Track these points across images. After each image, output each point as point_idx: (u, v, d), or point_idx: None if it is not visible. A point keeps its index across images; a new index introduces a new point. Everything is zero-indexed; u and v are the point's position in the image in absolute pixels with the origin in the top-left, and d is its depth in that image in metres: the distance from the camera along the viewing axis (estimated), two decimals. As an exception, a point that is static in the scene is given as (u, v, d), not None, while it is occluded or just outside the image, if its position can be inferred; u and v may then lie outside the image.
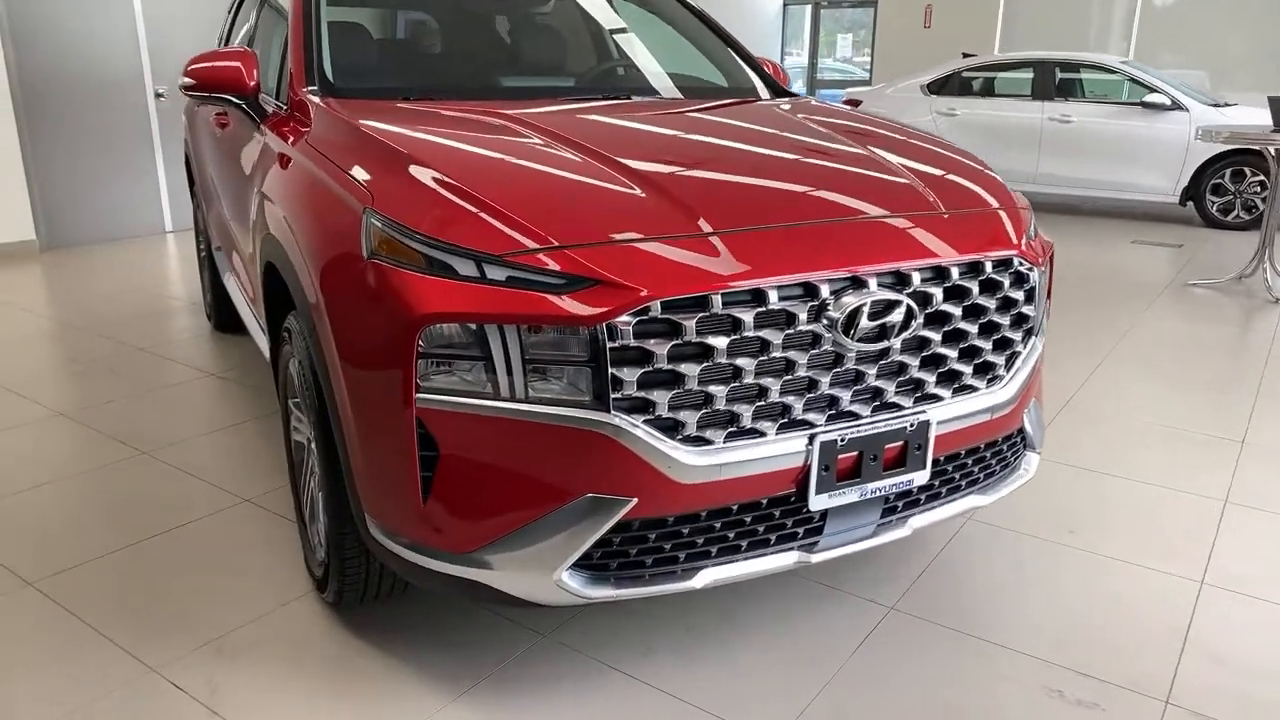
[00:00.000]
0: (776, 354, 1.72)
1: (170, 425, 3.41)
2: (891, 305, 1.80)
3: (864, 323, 1.77)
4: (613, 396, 1.63)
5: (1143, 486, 2.97)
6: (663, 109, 2.63)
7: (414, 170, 1.87)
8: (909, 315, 1.83)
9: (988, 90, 9.06)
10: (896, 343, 1.83)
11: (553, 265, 1.64)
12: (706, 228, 1.76)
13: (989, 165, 2.42)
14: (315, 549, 2.22)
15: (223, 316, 4.50)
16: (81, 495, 2.85)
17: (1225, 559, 2.53)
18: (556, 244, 1.66)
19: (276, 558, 2.48)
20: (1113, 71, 8.37)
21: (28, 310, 5.11)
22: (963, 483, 2.11)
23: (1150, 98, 7.96)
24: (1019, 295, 2.05)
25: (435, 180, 1.82)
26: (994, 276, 1.98)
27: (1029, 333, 2.12)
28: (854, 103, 9.52)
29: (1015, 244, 2.04)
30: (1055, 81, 8.54)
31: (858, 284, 1.78)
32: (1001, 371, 2.05)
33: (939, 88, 9.08)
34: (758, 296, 1.70)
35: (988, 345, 2.00)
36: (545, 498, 1.68)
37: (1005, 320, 2.02)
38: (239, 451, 3.18)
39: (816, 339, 1.76)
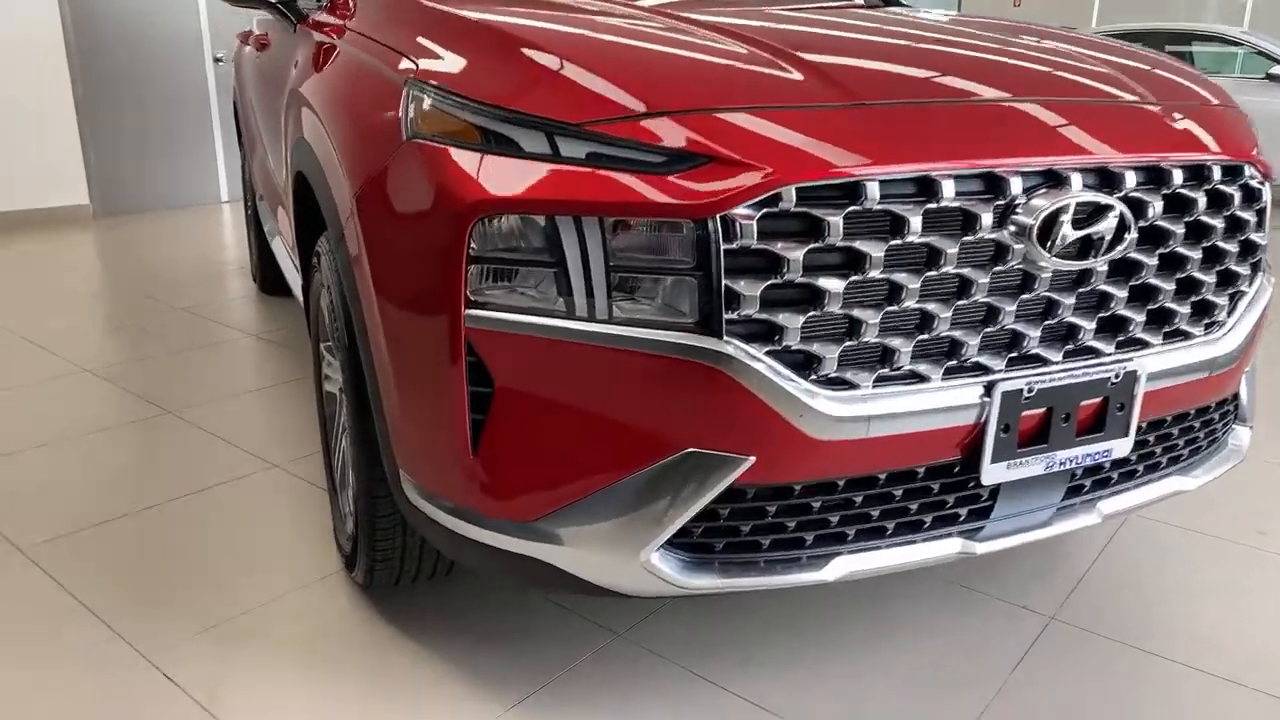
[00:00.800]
0: (949, 269, 1.27)
1: (201, 385, 3.07)
2: (1100, 211, 1.34)
3: (1065, 232, 1.31)
4: (726, 318, 1.20)
5: (1340, 483, 2.44)
6: (789, 4, 2.17)
7: (470, 33, 1.47)
8: (1121, 226, 1.36)
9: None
10: (1102, 263, 1.37)
11: (649, 136, 1.21)
12: (856, 96, 1.32)
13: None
14: (345, 519, 1.83)
15: (268, 278, 4.18)
16: (91, 455, 2.52)
17: None
18: (655, 110, 1.24)
19: (302, 531, 2.11)
20: (1234, 43, 7.65)
21: (71, 270, 4.87)
22: (1164, 459, 1.63)
23: (1277, 69, 7.24)
24: (1249, 216, 1.56)
25: (497, 40, 1.42)
26: (1221, 188, 1.50)
27: (1257, 267, 1.63)
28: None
29: (1248, 150, 1.55)
30: (1164, 54, 7.85)
31: (1055, 181, 1.32)
32: (1223, 315, 1.57)
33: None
34: (927, 188, 1.25)
35: (1210, 278, 1.52)
36: (632, 453, 1.25)
37: (1231, 247, 1.54)
38: (272, 415, 2.83)
39: (1001, 252, 1.30)
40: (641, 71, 1.32)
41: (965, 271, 1.29)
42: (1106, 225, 1.34)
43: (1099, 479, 1.55)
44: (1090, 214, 1.33)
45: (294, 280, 2.65)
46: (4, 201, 5.99)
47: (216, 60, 6.91)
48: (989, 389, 1.32)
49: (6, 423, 2.74)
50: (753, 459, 1.24)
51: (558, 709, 1.54)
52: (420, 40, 1.51)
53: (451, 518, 1.37)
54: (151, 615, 1.78)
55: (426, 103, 1.35)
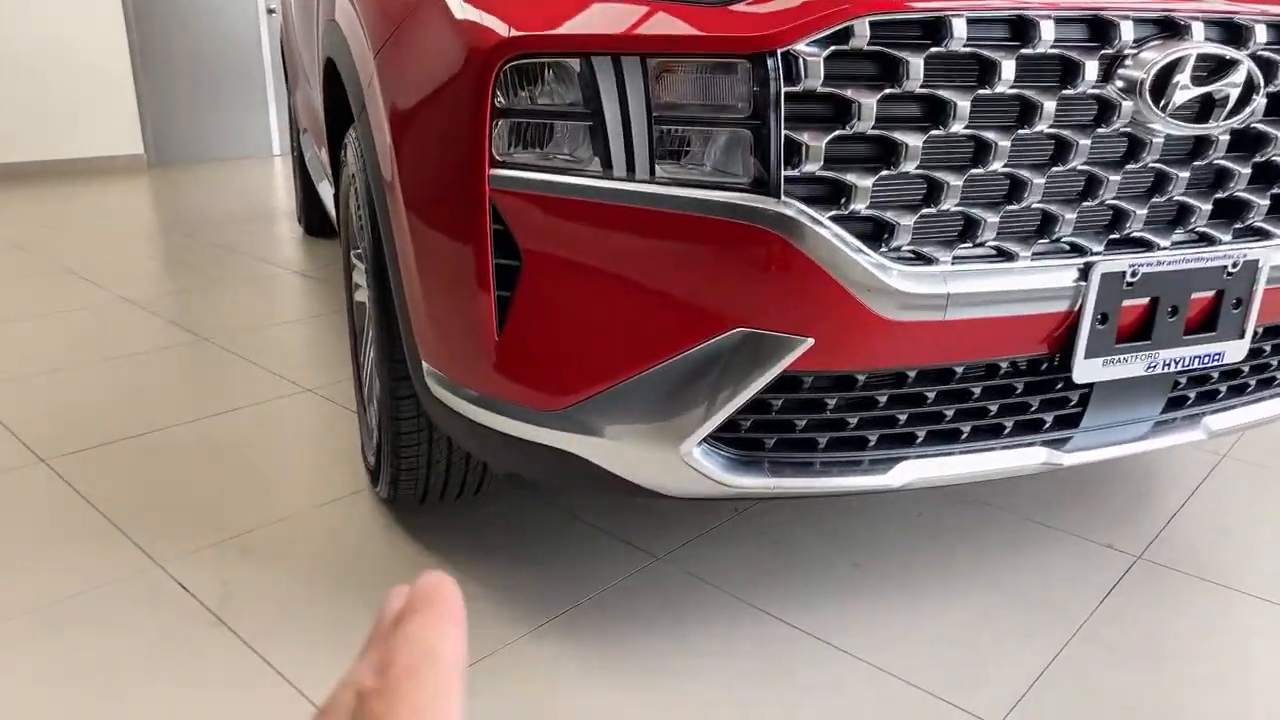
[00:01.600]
0: (1044, 128, 1.10)
1: (238, 315, 3.01)
2: (1224, 67, 1.15)
3: (1183, 90, 1.13)
4: (785, 175, 1.04)
5: None
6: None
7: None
8: (1249, 87, 1.17)
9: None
10: (1223, 131, 1.18)
11: (700, -38, 1.06)
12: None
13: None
14: (371, 434, 1.73)
15: (313, 219, 4.12)
16: (124, 376, 2.46)
17: None
18: (712, -67, 1.08)
19: (329, 450, 2.01)
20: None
21: (121, 214, 4.87)
22: (1279, 374, 1.44)
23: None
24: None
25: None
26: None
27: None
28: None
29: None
30: None
31: (1172, 30, 1.14)
32: (1362, 206, 1.36)
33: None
34: (1022, 30, 1.08)
35: (1346, 161, 1.32)
36: (675, 332, 1.11)
37: (1373, 126, 1.33)
38: (307, 344, 2.75)
39: (1106, 110, 1.13)
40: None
41: (1063, 132, 1.11)
42: (1231, 82, 1.15)
43: (1204, 390, 1.37)
44: (1212, 71, 1.15)
45: (328, 196, 2.55)
46: (62, 150, 6.04)
47: (270, 12, 6.87)
48: (1085, 271, 1.15)
49: (46, 344, 2.70)
50: (811, 341, 1.09)
51: (589, 629, 1.42)
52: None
53: (475, 408, 1.24)
54: (169, 526, 1.70)
55: (452, -55, 1.21)
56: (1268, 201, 1.26)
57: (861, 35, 1.03)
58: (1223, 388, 1.38)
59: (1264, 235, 1.28)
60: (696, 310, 1.10)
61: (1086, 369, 1.19)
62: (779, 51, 1.02)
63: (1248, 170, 1.23)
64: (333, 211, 2.73)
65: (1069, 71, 1.09)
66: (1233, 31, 1.17)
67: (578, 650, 1.37)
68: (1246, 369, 1.38)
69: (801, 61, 1.02)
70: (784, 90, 1.02)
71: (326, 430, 2.12)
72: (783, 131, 1.03)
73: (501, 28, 1.09)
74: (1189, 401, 1.36)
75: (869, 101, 1.03)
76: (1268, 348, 1.38)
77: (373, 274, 1.48)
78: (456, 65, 1.13)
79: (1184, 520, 1.77)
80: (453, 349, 1.25)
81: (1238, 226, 1.26)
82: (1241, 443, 2.10)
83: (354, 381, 1.94)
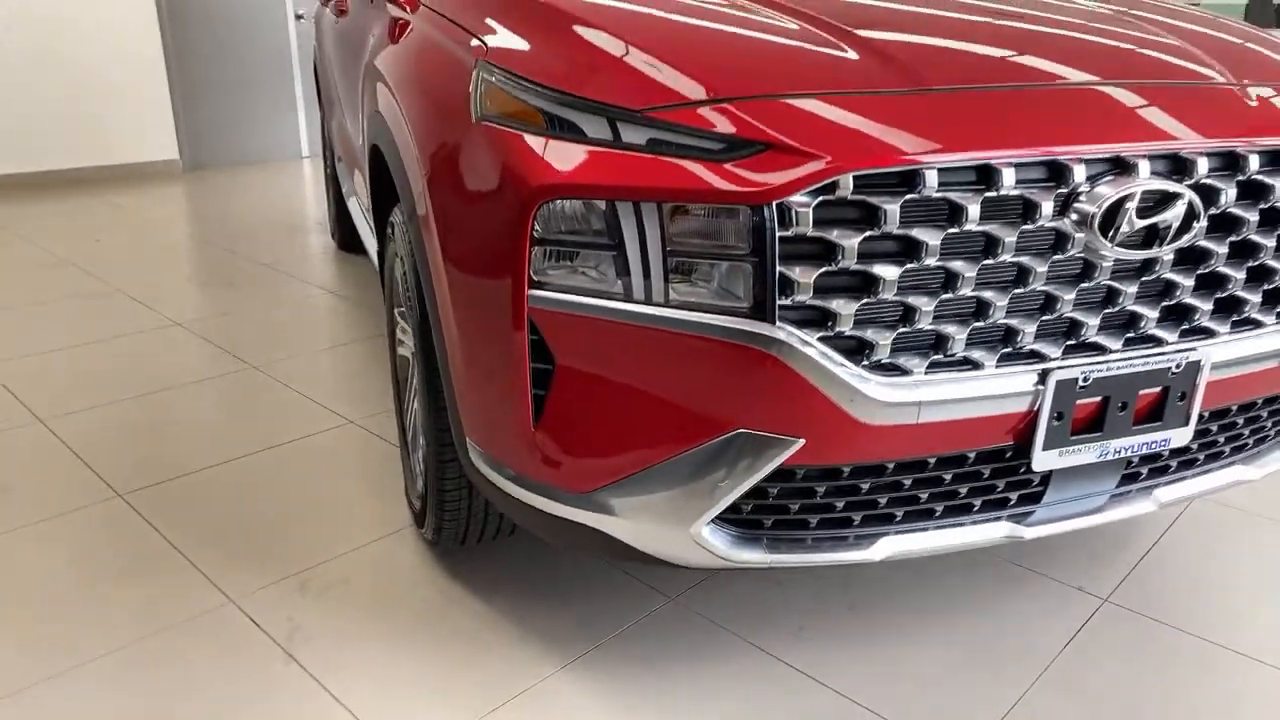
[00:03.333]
0: (1006, 258, 1.27)
1: (281, 341, 3.22)
2: (1166, 200, 1.32)
3: (1130, 221, 1.30)
4: (779, 303, 1.22)
5: None
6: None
7: (541, 16, 1.50)
8: (1189, 215, 1.34)
9: None
10: (1167, 253, 1.35)
11: (708, 124, 1.24)
12: (921, 82, 1.32)
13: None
14: (415, 478, 1.93)
15: (345, 234, 4.32)
16: (183, 407, 2.68)
17: None
18: (716, 96, 1.26)
19: (376, 486, 2.22)
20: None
21: (163, 225, 5.09)
22: (1227, 448, 1.61)
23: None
24: (1336, 201, 1.51)
25: (566, 25, 1.44)
26: (1303, 172, 1.45)
27: (1340, 254, 1.58)
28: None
29: (1334, 132, 1.50)
30: None
31: (1122, 168, 1.31)
32: (1297, 304, 1.53)
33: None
34: (986, 176, 1.25)
35: (1283, 266, 1.48)
36: (686, 431, 1.30)
37: (1313, 234, 1.50)
38: (349, 371, 2.95)
39: (1061, 240, 1.30)
40: (701, 56, 1.34)
41: (1023, 260, 1.29)
42: (1174, 214, 1.32)
43: (1156, 466, 1.54)
44: (1157, 202, 1.32)
45: (370, 243, 2.75)
46: (101, 157, 6.26)
47: (298, 18, 7.05)
48: (1043, 377, 1.32)
49: (108, 373, 2.92)
50: (802, 441, 1.27)
51: (611, 667, 1.62)
52: (490, 20, 1.55)
53: (514, 485, 1.44)
54: (239, 560, 1.91)
55: (495, 85, 1.39)
56: (1211, 305, 1.43)
57: (845, 188, 1.20)
58: (1173, 463, 1.55)
59: (1209, 333, 1.45)
60: (703, 413, 1.29)
61: (1044, 459, 1.37)
62: (773, 203, 1.19)
63: (1191, 282, 1.40)
64: (366, 240, 2.93)
65: (1028, 209, 1.27)
66: (1178, 164, 1.34)
67: (598, 688, 1.57)
68: (1195, 446, 1.55)
69: (794, 211, 1.20)
70: (779, 234, 1.20)
71: (370, 465, 2.32)
72: (777, 268, 1.21)
73: (541, 172, 1.27)
74: (1142, 477, 1.53)
75: (852, 243, 1.21)
76: (1214, 427, 1.55)
77: (420, 350, 1.68)
78: (502, 199, 1.31)
79: (1151, 564, 1.95)
80: (495, 434, 1.44)
81: (1184, 328, 1.43)
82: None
83: (398, 424, 2.14)
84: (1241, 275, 1.44)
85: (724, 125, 1.23)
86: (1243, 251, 1.43)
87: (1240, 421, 1.59)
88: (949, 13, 1.63)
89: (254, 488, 2.21)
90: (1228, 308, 1.46)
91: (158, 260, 4.33)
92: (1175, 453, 1.54)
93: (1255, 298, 1.47)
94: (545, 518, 1.43)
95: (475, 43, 1.50)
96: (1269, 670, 1.63)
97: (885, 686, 1.58)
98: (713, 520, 1.34)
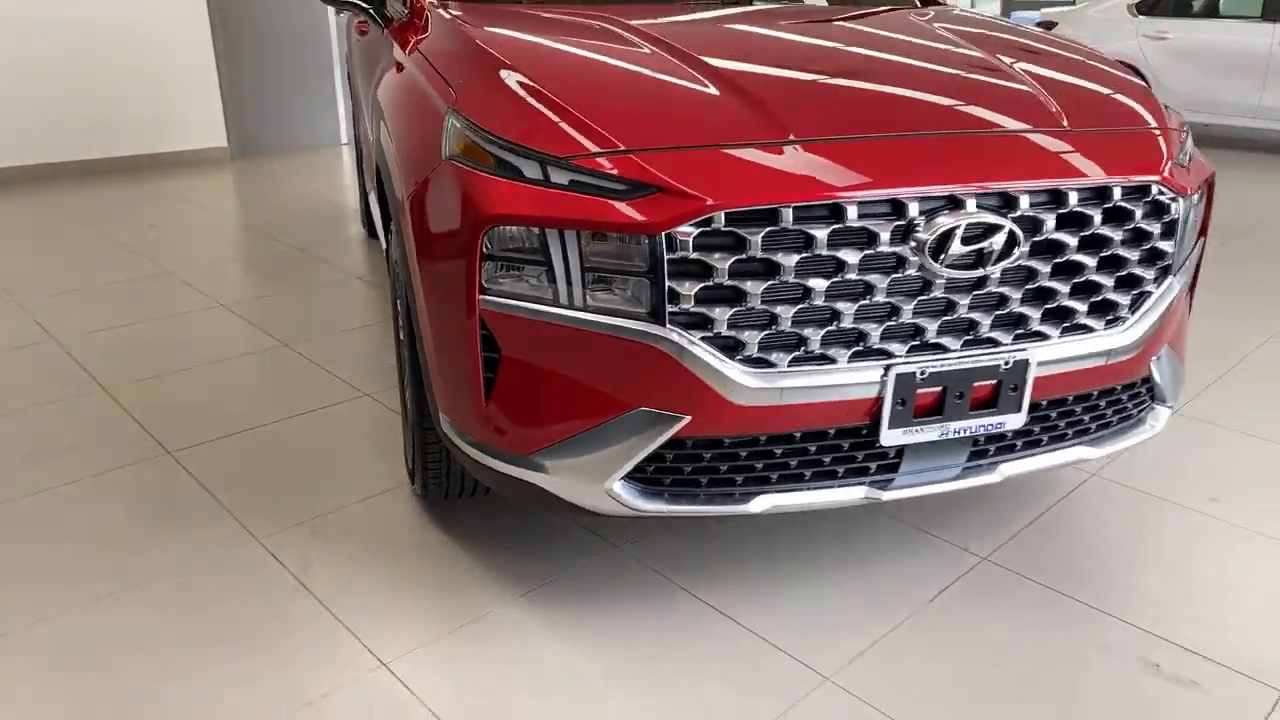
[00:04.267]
0: (852, 276, 1.61)
1: (310, 322, 3.63)
2: (991, 230, 1.64)
3: (956, 248, 1.62)
4: (669, 310, 1.58)
5: (1312, 458, 2.63)
6: (790, 16, 2.47)
7: (499, 73, 1.85)
8: (1011, 242, 1.65)
9: (1211, 10, 8.04)
10: (995, 272, 1.67)
11: (614, 170, 1.58)
12: (788, 136, 1.65)
13: (1143, 78, 2.13)
14: (408, 443, 2.31)
15: (373, 225, 4.72)
16: (223, 379, 3.10)
17: (1396, 546, 2.21)
18: (621, 148, 1.60)
19: (381, 450, 2.61)
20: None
21: (210, 211, 5.55)
22: (1069, 431, 1.93)
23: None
24: (1154, 228, 1.81)
25: (517, 83, 1.79)
26: (1124, 205, 1.76)
27: (1165, 271, 1.88)
28: (1049, 25, 8.71)
29: (1155, 169, 1.80)
30: (1294, -1, 7.46)
31: (955, 204, 1.63)
32: (1125, 312, 1.84)
33: (1150, 7, 8.14)
34: (835, 212, 1.58)
35: (1109, 282, 1.79)
36: (600, 408, 1.66)
37: (1134, 255, 1.80)
38: (368, 350, 3.35)
39: (901, 262, 1.63)
40: (616, 113, 1.68)
41: (868, 277, 1.62)
42: (996, 242, 1.64)
43: (1003, 445, 1.87)
44: (983, 231, 1.64)
45: (375, 207, 3.13)
46: (155, 145, 6.75)
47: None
48: (887, 370, 1.66)
49: (160, 348, 3.35)
50: (689, 418, 1.63)
51: (556, 600, 1.99)
52: (462, 73, 1.91)
53: (473, 449, 1.81)
54: (264, 508, 2.32)
55: (459, 130, 1.75)
56: (1040, 314, 1.75)
57: (719, 222, 1.54)
58: (1018, 443, 1.88)
59: (1041, 336, 1.77)
60: (613, 394, 1.64)
61: (891, 436, 1.71)
62: (663, 233, 1.54)
63: (1019, 295, 1.72)
64: (381, 235, 3.31)
65: (871, 238, 1.60)
66: (1007, 200, 1.66)
67: (544, 615, 1.95)
68: (1037, 429, 1.87)
69: (678, 239, 1.54)
70: (667, 257, 1.55)
71: (377, 432, 2.72)
72: (667, 283, 1.56)
73: (489, 203, 1.63)
74: (990, 454, 1.86)
75: (724, 265, 1.56)
76: (1054, 414, 1.87)
77: (407, 338, 2.05)
78: (459, 223, 1.67)
79: (1037, 530, 2.26)
80: (457, 407, 1.82)
81: (1018, 333, 1.75)
82: (1115, 463, 2.57)
83: (400, 399, 2.52)
84: (1066, 289, 1.75)
85: (627, 172, 1.58)
86: (1066, 270, 1.75)
87: (1078, 409, 1.90)
88: (824, 73, 1.95)
89: (280, 449, 2.62)
90: (1057, 316, 1.78)
91: (205, 245, 4.78)
92: (1018, 434, 1.86)
93: (1082, 307, 1.78)
94: (497, 475, 1.80)
95: (450, 92, 1.86)
96: (1125, 627, 1.93)
97: (773, 619, 1.93)
98: (623, 478, 1.70)
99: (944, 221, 1.61)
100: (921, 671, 1.80)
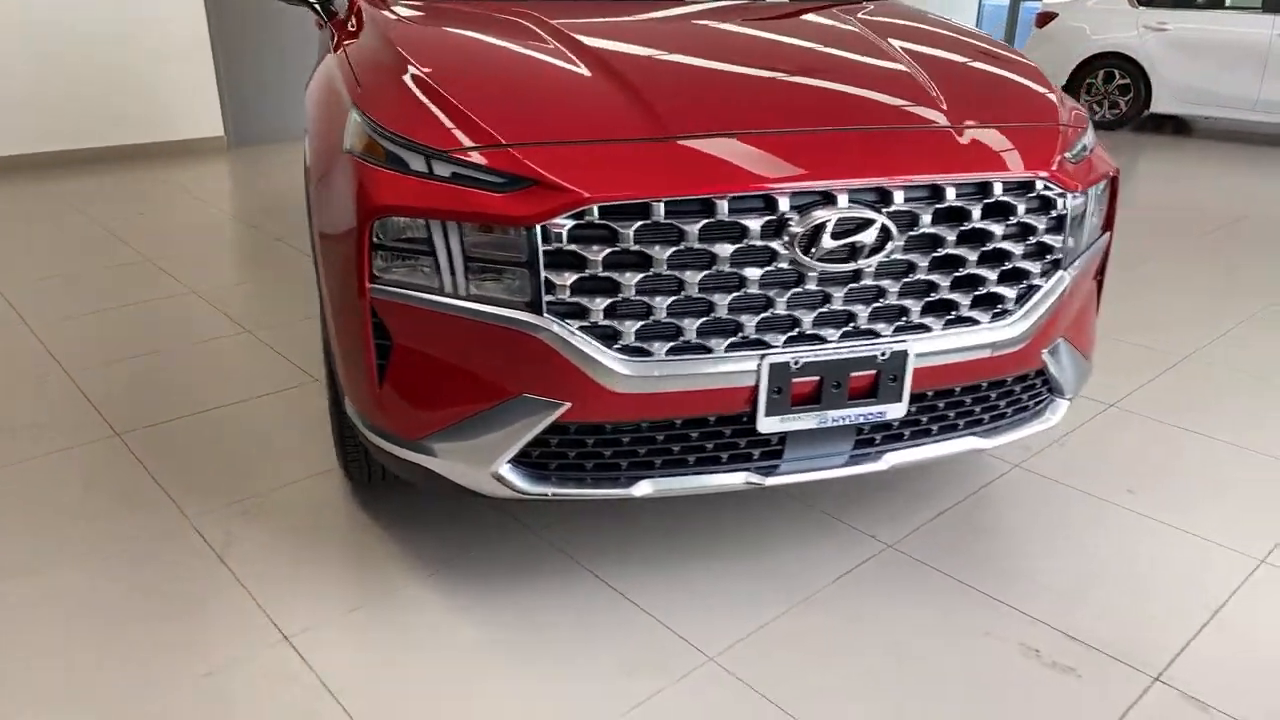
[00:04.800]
0: (726, 269, 1.66)
1: (277, 311, 3.71)
2: (864, 225, 1.68)
3: (828, 242, 1.66)
4: (546, 300, 1.63)
5: (1244, 454, 2.65)
6: (711, 13, 2.51)
7: (403, 70, 1.90)
8: (885, 237, 1.70)
9: (1212, 1, 7.95)
10: (870, 266, 1.71)
11: (492, 163, 1.64)
12: (666, 131, 1.70)
13: (1043, 74, 2.16)
14: (333, 428, 2.38)
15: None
16: (181, 364, 3.19)
17: (1302, 539, 2.24)
18: (501, 142, 1.66)
19: (322, 434, 2.69)
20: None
21: (201, 200, 5.65)
22: (960, 422, 1.97)
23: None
24: (1040, 223, 1.85)
25: (415, 79, 1.85)
26: (1007, 200, 1.79)
27: (1056, 265, 1.91)
28: (1049, 16, 8.66)
29: (1040, 165, 1.83)
30: (1295, -10, 7.38)
31: (828, 199, 1.67)
32: (1010, 305, 1.87)
33: (1150, -2, 8.07)
34: (706, 207, 1.63)
35: (992, 275, 1.83)
36: (484, 394, 1.72)
37: (1018, 250, 1.84)
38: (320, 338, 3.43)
39: (773, 256, 1.67)
40: (498, 107, 1.73)
41: (741, 270, 1.67)
42: (868, 236, 1.68)
43: (890, 434, 1.91)
44: (856, 226, 1.68)
45: None
46: (152, 134, 6.86)
47: None
48: (761, 360, 1.71)
49: (126, 333, 3.45)
50: (569, 404, 1.68)
51: (462, 579, 2.06)
52: (369, 69, 1.97)
53: (372, 433, 1.88)
54: (201, 490, 2.40)
55: (358, 124, 1.81)
56: (920, 307, 1.79)
57: (593, 215, 1.60)
58: (906, 432, 1.92)
59: (923, 328, 1.81)
60: (496, 381, 1.71)
61: (768, 424, 1.76)
62: (538, 225, 1.60)
63: (897, 288, 1.76)
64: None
65: (742, 233, 1.65)
66: (881, 194, 1.70)
67: (448, 590, 2.02)
68: (924, 420, 1.92)
69: (553, 231, 1.60)
70: (543, 249, 1.61)
71: (322, 416, 2.79)
72: (543, 274, 1.62)
73: (377, 195, 1.69)
74: (877, 442, 1.90)
75: (598, 256, 1.61)
76: (940, 405, 1.91)
77: (321, 326, 2.12)
78: (351, 214, 1.74)
79: (947, 520, 2.31)
80: (357, 393, 1.88)
81: (899, 324, 1.79)
82: (1039, 455, 2.61)
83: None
84: (946, 283, 1.79)
85: (504, 165, 1.63)
86: (946, 264, 1.79)
87: (967, 400, 1.94)
88: (717, 69, 1.99)
89: (224, 431, 2.71)
90: (939, 309, 1.82)
91: (189, 233, 4.88)
92: (906, 424, 1.91)
93: (965, 300, 1.82)
94: (394, 458, 1.87)
95: (355, 87, 1.92)
96: (1017, 615, 1.97)
97: (673, 599, 1.99)
98: (509, 461, 1.76)
99: (816, 216, 1.65)
100: (804, 654, 1.85)
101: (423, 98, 1.78)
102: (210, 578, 2.06)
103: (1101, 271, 2.18)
